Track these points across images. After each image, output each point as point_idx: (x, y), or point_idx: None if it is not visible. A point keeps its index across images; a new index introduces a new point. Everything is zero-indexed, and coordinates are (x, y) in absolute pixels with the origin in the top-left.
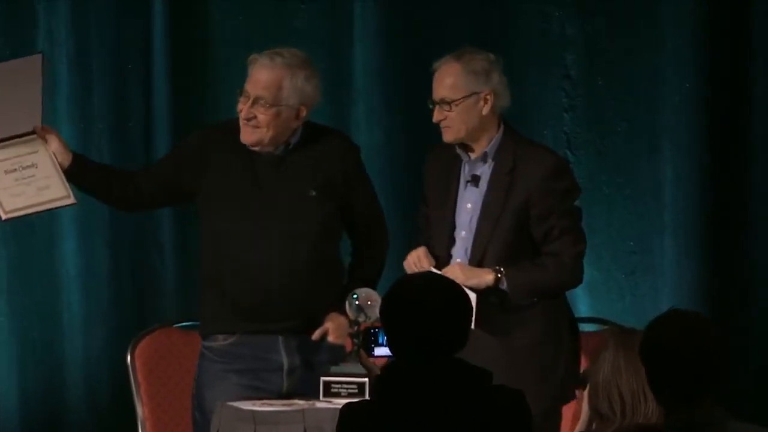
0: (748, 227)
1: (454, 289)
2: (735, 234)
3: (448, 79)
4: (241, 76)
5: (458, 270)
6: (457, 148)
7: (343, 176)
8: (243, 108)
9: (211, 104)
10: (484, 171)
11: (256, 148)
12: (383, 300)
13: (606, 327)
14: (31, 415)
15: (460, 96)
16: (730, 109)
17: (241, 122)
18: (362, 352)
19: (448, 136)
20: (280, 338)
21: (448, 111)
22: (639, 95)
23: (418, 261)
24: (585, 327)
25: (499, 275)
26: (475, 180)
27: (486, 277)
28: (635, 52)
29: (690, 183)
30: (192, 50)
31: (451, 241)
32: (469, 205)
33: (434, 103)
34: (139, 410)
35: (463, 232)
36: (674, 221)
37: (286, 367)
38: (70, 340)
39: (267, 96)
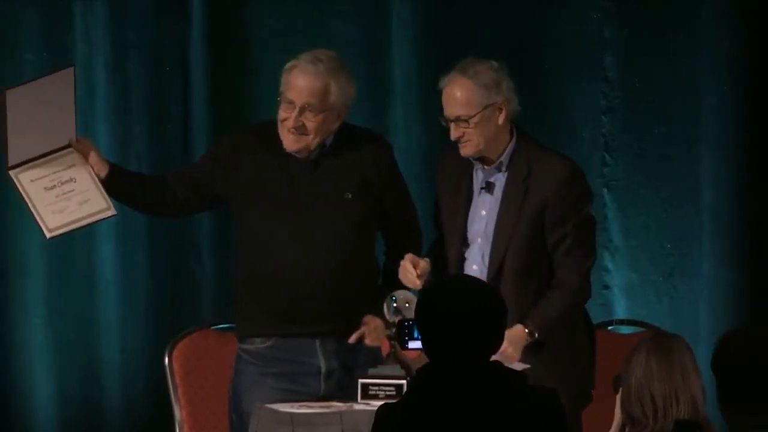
0: None
1: (489, 292)
2: None
3: (461, 96)
4: (279, 78)
5: (513, 352)
6: (471, 156)
7: (378, 177)
8: (289, 117)
9: (248, 106)
10: (499, 178)
11: (297, 154)
12: (418, 303)
13: (643, 329)
14: (68, 417)
15: (476, 111)
16: None
17: (286, 130)
18: (399, 353)
19: (468, 151)
20: (317, 341)
21: (466, 127)
22: (677, 97)
23: (404, 272)
24: (622, 329)
25: (530, 331)
26: (489, 187)
27: (523, 341)
28: (673, 55)
29: (728, 185)
30: (229, 52)
31: (465, 248)
32: (483, 212)
33: (448, 121)
34: (177, 412)
35: (479, 239)
36: (712, 223)
37: (323, 370)
38: (108, 343)
39: (315, 103)
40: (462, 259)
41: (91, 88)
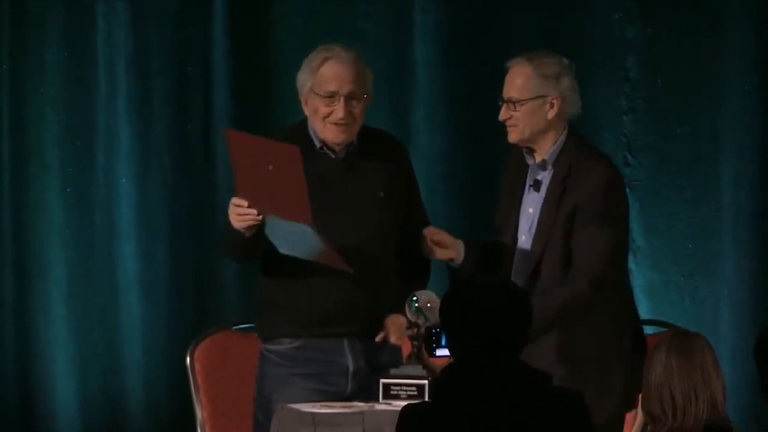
0: None
1: (515, 290)
2: None
3: (518, 80)
4: None
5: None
6: (524, 152)
7: (404, 176)
8: (333, 109)
9: (271, 106)
10: (545, 177)
11: (337, 147)
12: (443, 301)
13: (665, 329)
14: (91, 417)
15: (527, 97)
16: None
17: (331, 124)
18: (424, 354)
19: (512, 136)
20: (346, 341)
21: (514, 111)
22: (699, 97)
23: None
24: (644, 329)
25: None
26: (536, 185)
27: None
28: (695, 55)
29: (750, 186)
30: (252, 51)
31: (515, 246)
32: (530, 209)
33: (503, 101)
34: (198, 412)
35: (523, 236)
36: (734, 224)
37: (351, 369)
38: (129, 343)
39: (357, 89)
40: (512, 255)
41: (113, 88)
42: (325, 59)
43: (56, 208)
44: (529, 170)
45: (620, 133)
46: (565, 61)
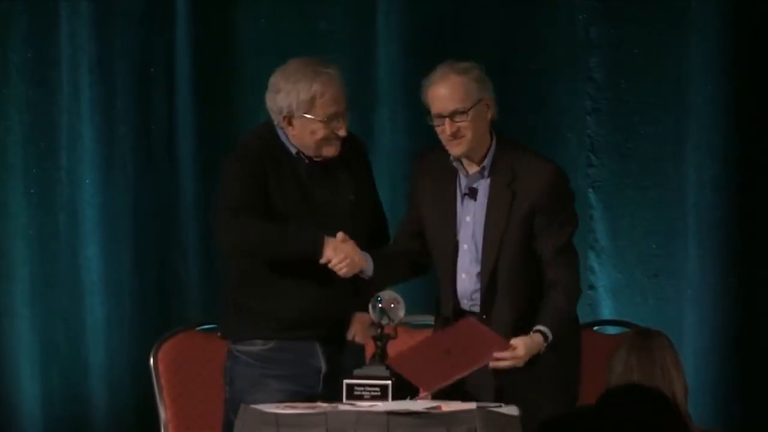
0: None
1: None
2: (759, 237)
3: (457, 92)
4: (265, 78)
5: (523, 355)
6: (453, 162)
7: (369, 175)
8: (341, 127)
9: (234, 106)
10: (482, 184)
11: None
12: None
13: (628, 329)
14: (54, 417)
15: (472, 104)
16: (755, 112)
17: (334, 140)
18: (385, 353)
19: (461, 149)
20: (318, 343)
21: (462, 121)
22: (663, 98)
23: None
24: (608, 329)
25: (545, 335)
26: (472, 193)
27: (538, 349)
28: (659, 55)
29: (714, 186)
30: (215, 53)
31: (455, 255)
32: (468, 218)
33: (439, 118)
34: (162, 413)
35: (465, 245)
36: (698, 224)
37: (324, 371)
38: (93, 343)
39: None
40: (453, 268)
41: (77, 89)
42: (325, 83)
43: (20, 209)
44: (460, 179)
45: (584, 134)
46: (476, 65)
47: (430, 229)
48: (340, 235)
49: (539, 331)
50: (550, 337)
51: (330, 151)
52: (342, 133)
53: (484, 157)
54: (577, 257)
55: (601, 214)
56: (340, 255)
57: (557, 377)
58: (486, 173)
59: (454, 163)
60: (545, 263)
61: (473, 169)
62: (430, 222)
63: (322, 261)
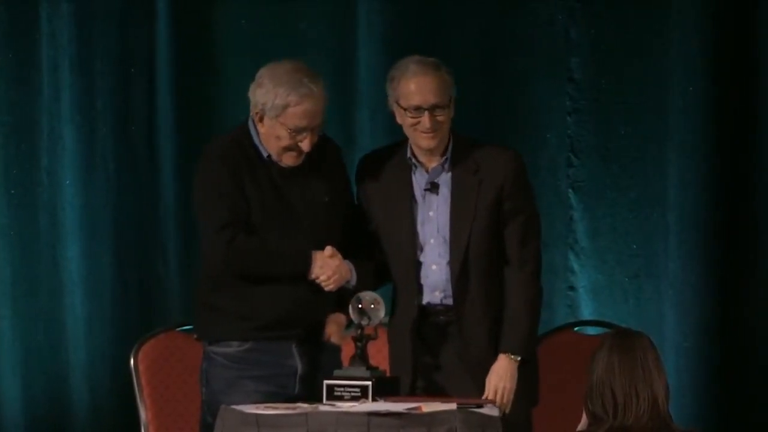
0: (753, 231)
1: None
2: (740, 237)
3: (439, 86)
4: (245, 78)
5: (509, 390)
6: (411, 158)
7: (343, 176)
8: (305, 139)
9: (214, 107)
10: (443, 178)
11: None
12: None
13: (609, 330)
14: (35, 418)
15: (448, 100)
16: (737, 112)
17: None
18: (365, 354)
19: (434, 142)
20: (293, 344)
21: (440, 116)
22: (643, 98)
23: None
24: (588, 330)
25: (518, 359)
26: (434, 187)
27: (514, 369)
28: (640, 55)
29: (695, 186)
30: (195, 53)
31: (419, 251)
32: (431, 213)
33: (419, 110)
34: (142, 413)
35: (432, 240)
36: (679, 224)
37: (300, 372)
38: (74, 344)
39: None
40: (417, 263)
41: (57, 90)
42: (303, 96)
43: (0, 210)
44: (415, 175)
45: (564, 134)
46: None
47: (384, 228)
48: (328, 249)
49: (504, 353)
50: (518, 358)
51: (289, 160)
52: (305, 148)
53: (445, 151)
54: (539, 252)
55: (582, 215)
56: (328, 272)
57: (522, 380)
58: (447, 167)
59: (412, 161)
60: (509, 254)
61: (434, 163)
62: (384, 222)
63: (311, 278)
